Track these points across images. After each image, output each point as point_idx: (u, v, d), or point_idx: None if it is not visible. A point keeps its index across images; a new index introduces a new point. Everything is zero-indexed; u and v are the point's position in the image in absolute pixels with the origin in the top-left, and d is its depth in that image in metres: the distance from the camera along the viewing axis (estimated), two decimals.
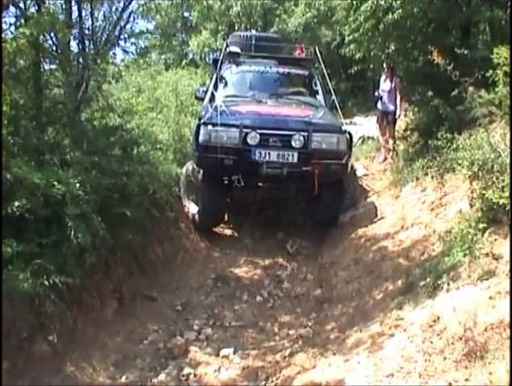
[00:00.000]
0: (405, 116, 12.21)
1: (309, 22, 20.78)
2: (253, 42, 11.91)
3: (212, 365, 6.26)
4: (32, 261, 5.46)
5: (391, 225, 8.95)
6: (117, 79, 9.46)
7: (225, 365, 6.27)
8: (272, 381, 5.74)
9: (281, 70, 11.47)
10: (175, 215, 9.40)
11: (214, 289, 8.35)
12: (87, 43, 8.42)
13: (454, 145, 6.32)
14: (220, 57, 11.08)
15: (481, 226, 5.70)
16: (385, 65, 12.27)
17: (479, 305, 4.88)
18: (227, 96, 10.48)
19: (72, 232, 5.96)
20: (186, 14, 25.08)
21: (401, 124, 12.61)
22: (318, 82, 11.44)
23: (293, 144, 9.13)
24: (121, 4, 9.08)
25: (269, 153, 9.08)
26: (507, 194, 5.44)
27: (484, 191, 5.59)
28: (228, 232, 10.67)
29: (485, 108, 8.79)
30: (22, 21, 6.85)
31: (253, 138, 9.02)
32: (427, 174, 9.77)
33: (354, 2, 10.70)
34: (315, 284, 8.38)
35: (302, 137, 9.12)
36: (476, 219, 5.77)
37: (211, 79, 12.01)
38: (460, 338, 4.67)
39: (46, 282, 5.48)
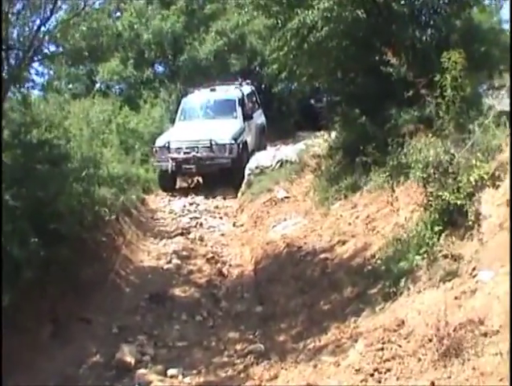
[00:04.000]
0: (329, 135, 12.24)
1: (220, 50, 20.84)
2: None
3: None
4: None
5: (326, 241, 8.88)
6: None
7: (175, 385, 5.93)
8: None
9: None
10: (105, 238, 9.00)
11: (149, 310, 8.00)
12: None
13: (405, 150, 6.32)
14: None
15: (436, 229, 5.70)
16: None
17: (444, 306, 4.82)
18: None
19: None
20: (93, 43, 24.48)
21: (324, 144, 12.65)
22: None
23: None
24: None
25: None
26: (463, 195, 5.48)
27: (440, 193, 5.59)
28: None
29: (411, 124, 9.03)
30: None
31: None
32: (354, 191, 9.82)
33: (279, 21, 10.69)
34: (255, 301, 8.17)
35: None
36: (432, 221, 5.77)
37: None
38: (430, 340, 4.61)
39: None
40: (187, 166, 14.69)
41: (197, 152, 14.64)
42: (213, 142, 14.66)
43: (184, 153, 14.70)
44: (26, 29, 8.88)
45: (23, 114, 7.86)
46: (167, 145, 14.93)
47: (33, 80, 9.64)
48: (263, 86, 19.51)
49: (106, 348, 6.79)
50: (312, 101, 22.25)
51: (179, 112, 16.88)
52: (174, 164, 14.62)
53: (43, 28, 9.04)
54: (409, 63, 9.58)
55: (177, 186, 15.55)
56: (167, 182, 15.20)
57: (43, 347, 6.31)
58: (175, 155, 14.73)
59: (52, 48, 10.44)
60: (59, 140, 8.37)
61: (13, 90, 8.10)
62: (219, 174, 14.84)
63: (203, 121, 16.06)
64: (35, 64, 9.57)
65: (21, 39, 8.82)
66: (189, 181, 16.22)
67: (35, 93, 9.95)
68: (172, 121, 17.24)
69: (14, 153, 7.07)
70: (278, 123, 21.01)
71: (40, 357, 6.12)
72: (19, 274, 5.83)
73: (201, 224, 12.36)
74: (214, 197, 14.43)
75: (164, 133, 16.12)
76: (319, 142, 13.69)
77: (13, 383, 5.43)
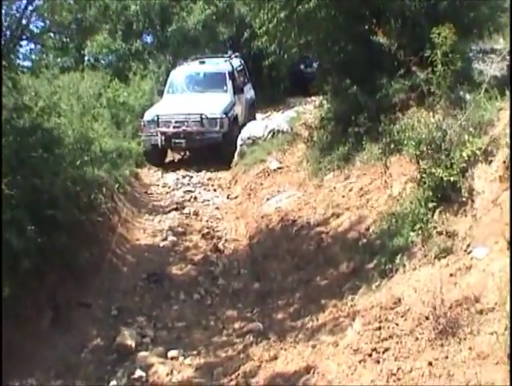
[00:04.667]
0: (320, 104, 12.15)
1: (208, 20, 20.65)
2: None
3: (163, 368, 5.95)
4: None
5: (320, 214, 8.90)
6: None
7: (176, 367, 5.99)
8: (231, 379, 5.50)
9: None
10: (101, 218, 8.98)
11: (148, 290, 8.02)
12: None
13: (398, 126, 6.32)
14: None
15: (430, 205, 5.73)
16: None
17: (440, 283, 4.86)
18: None
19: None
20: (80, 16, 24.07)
21: (316, 112, 12.57)
22: None
23: None
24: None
25: None
26: (456, 171, 5.50)
27: (433, 170, 5.61)
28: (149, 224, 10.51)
29: (402, 94, 8.98)
30: None
31: None
32: (347, 161, 9.80)
33: None
34: (252, 278, 8.20)
35: None
36: (425, 198, 5.80)
37: None
38: (427, 318, 4.65)
39: None
40: (177, 141, 14.58)
41: (187, 126, 14.53)
42: (204, 116, 14.53)
43: (174, 127, 14.58)
44: (13, 8, 8.78)
45: (14, 99, 7.71)
46: (155, 119, 14.80)
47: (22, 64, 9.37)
48: (252, 53, 19.25)
49: (106, 332, 6.81)
50: (302, 67, 22.15)
51: (168, 85, 16.73)
52: (163, 138, 14.54)
53: (30, 7, 8.98)
54: (398, 32, 9.55)
55: (166, 160, 15.54)
56: (156, 157, 15.11)
57: (44, 335, 6.32)
58: (164, 129, 14.62)
59: (40, 26, 10.32)
60: (50, 117, 8.23)
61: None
62: (209, 149, 14.74)
63: (192, 95, 15.92)
64: (23, 44, 9.45)
65: (7, 19, 8.70)
66: (179, 154, 16.16)
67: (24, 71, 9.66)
68: (162, 94, 17.13)
69: (7, 140, 6.99)
70: (269, 89, 20.94)
71: (42, 345, 6.13)
72: (18, 264, 5.81)
73: (195, 198, 12.39)
74: (207, 170, 14.41)
75: (153, 107, 15.95)
76: (310, 109, 13.64)
77: (16, 373, 5.48)
